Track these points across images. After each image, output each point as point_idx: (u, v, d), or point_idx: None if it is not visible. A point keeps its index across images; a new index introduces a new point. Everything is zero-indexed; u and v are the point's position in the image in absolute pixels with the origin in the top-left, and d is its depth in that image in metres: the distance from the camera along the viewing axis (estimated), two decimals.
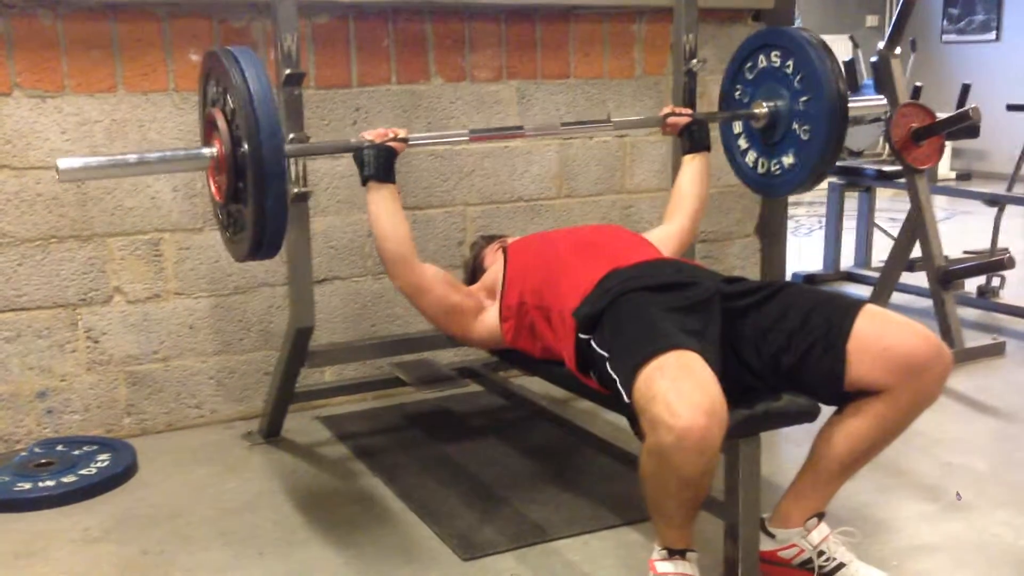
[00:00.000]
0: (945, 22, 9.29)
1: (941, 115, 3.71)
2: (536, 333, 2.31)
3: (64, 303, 2.90)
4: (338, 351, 3.07)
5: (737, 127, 2.91)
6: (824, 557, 2.04)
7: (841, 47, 6.52)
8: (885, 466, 2.62)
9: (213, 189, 2.24)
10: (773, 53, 2.71)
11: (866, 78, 7.63)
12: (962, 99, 4.93)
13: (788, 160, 2.72)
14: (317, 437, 3.03)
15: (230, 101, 2.05)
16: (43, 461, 2.72)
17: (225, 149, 2.08)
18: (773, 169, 2.78)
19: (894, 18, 3.90)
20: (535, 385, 2.95)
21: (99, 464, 2.71)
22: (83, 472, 2.66)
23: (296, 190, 2.53)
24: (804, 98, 2.63)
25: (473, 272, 2.79)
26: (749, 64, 2.80)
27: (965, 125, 3.64)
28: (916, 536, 2.31)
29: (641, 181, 3.65)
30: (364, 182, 2.35)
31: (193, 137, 2.96)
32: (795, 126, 2.67)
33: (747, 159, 2.88)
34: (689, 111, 2.82)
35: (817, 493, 2.07)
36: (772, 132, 2.75)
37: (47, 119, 2.81)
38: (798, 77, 2.63)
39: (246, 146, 2.00)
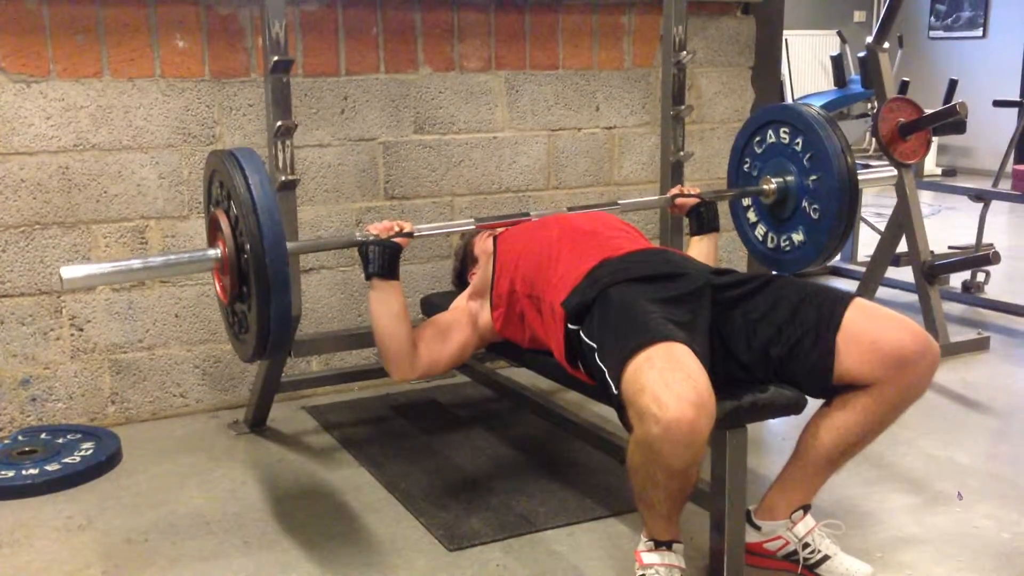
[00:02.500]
0: (932, 18, 9.32)
1: (928, 110, 3.72)
2: (525, 321, 2.30)
3: (48, 290, 2.88)
4: (324, 341, 3.06)
5: (746, 200, 2.84)
6: (809, 549, 2.05)
7: (829, 42, 6.53)
8: (870, 459, 2.63)
9: (219, 289, 2.22)
10: (782, 129, 2.65)
11: (853, 73, 7.68)
12: (949, 94, 4.96)
13: (798, 237, 2.66)
14: (303, 427, 3.02)
15: (233, 206, 2.03)
16: (26, 449, 2.70)
17: (229, 252, 2.06)
18: (783, 245, 2.73)
19: (882, 14, 3.91)
20: (522, 376, 2.94)
21: (83, 452, 2.70)
22: (67, 460, 2.64)
23: (283, 178, 2.52)
24: (813, 177, 2.57)
25: (463, 259, 2.78)
26: (757, 138, 2.74)
27: (952, 120, 3.65)
28: (900, 529, 2.32)
29: (629, 173, 3.65)
30: (368, 278, 2.28)
31: (179, 125, 2.95)
32: (805, 204, 2.61)
33: (756, 232, 2.83)
34: (697, 191, 2.72)
35: (803, 486, 2.08)
36: (782, 208, 2.69)
37: (32, 104, 2.79)
38: (807, 156, 2.58)
39: (249, 252, 1.98)
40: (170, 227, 2.99)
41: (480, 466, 2.68)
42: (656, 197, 2.97)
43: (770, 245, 2.78)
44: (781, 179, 2.67)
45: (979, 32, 8.98)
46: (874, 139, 3.96)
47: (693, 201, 2.69)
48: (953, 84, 5.03)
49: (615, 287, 2.03)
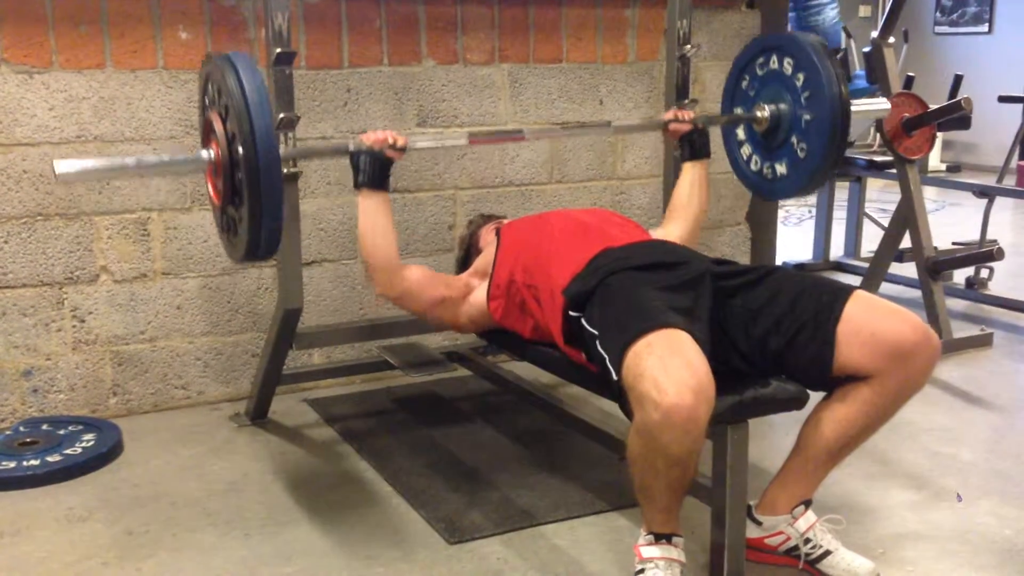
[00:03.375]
0: (938, 13, 9.29)
1: (933, 106, 3.71)
2: (526, 311, 2.31)
3: (50, 281, 2.88)
4: (326, 333, 3.06)
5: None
6: (810, 544, 2.05)
7: None
8: (872, 455, 2.63)
9: (212, 192, 2.22)
10: (786, 60, 2.64)
11: (858, 68, 7.64)
12: (954, 90, 4.93)
13: (781, 169, 2.69)
14: (304, 419, 3.02)
15: (226, 106, 2.03)
16: (28, 440, 2.70)
17: (222, 154, 2.06)
18: (765, 172, 2.75)
19: (887, 8, 3.90)
20: (524, 370, 2.94)
21: (84, 444, 2.70)
22: (68, 452, 2.64)
23: (286, 171, 2.52)
24: (807, 117, 2.57)
25: (468, 249, 2.78)
26: (761, 60, 2.73)
27: (957, 116, 3.65)
28: (902, 524, 2.32)
29: (632, 168, 3.64)
30: (357, 187, 2.32)
31: (182, 116, 2.94)
32: (794, 140, 2.62)
33: (742, 151, 2.85)
34: (691, 116, 2.74)
35: (804, 480, 2.08)
36: (771, 137, 2.70)
37: (34, 95, 2.78)
38: (805, 94, 2.57)
39: (242, 151, 1.98)
40: (172, 219, 2.99)
41: (481, 459, 2.68)
42: (650, 121, 2.97)
43: (754, 168, 2.81)
44: (775, 107, 2.67)
45: (985, 27, 8.95)
46: (879, 134, 3.94)
47: (686, 127, 2.73)
48: (958, 79, 5.00)
49: (616, 275, 2.04)
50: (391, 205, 2.37)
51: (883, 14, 3.96)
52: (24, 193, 2.82)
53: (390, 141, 2.32)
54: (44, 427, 2.80)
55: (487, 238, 2.68)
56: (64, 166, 2.02)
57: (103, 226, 2.92)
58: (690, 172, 2.71)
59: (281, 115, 2.46)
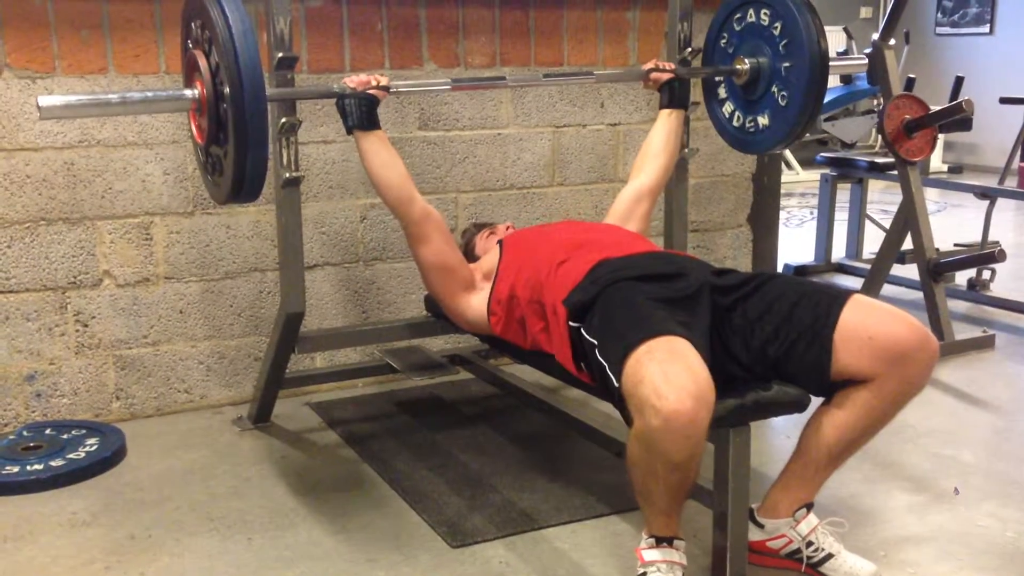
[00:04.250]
0: (939, 14, 9.29)
1: (934, 107, 3.71)
2: (526, 327, 2.31)
3: (53, 286, 2.89)
4: (329, 337, 3.06)
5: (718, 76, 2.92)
6: (812, 547, 2.05)
7: (835, 39, 6.52)
8: (873, 457, 2.63)
9: (195, 131, 2.22)
10: (763, 11, 2.70)
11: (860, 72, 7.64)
12: (955, 91, 4.93)
13: (763, 121, 2.74)
14: (307, 423, 3.02)
15: (212, 43, 2.02)
16: (31, 444, 2.71)
17: (207, 91, 2.06)
18: (748, 126, 2.80)
19: (888, 10, 3.90)
20: (526, 373, 2.94)
21: (87, 448, 2.71)
22: (71, 456, 2.65)
23: (288, 175, 2.52)
24: (786, 63, 2.63)
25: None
26: (738, 15, 2.79)
27: (958, 117, 3.65)
28: (903, 527, 2.32)
29: None
30: (349, 131, 2.39)
31: (184, 121, 2.94)
32: (774, 89, 2.68)
33: (724, 109, 2.89)
34: (672, 67, 2.84)
35: (806, 483, 2.08)
36: (752, 89, 2.76)
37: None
38: (783, 42, 2.63)
39: (227, 89, 1.98)
40: (175, 223, 3.00)
41: (483, 463, 2.68)
42: (631, 69, 3.02)
43: (736, 124, 2.86)
44: (755, 60, 2.72)
45: (986, 28, 8.95)
46: (880, 136, 3.94)
47: (667, 76, 2.81)
48: (959, 81, 5.00)
49: (616, 285, 2.04)
50: (387, 140, 2.43)
51: (884, 15, 3.96)
52: (27, 198, 2.82)
53: (373, 82, 2.40)
54: (48, 431, 2.81)
55: (484, 245, 2.70)
56: (48, 100, 2.05)
57: (106, 230, 2.92)
58: (666, 120, 2.80)
59: (283, 120, 2.47)
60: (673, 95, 2.81)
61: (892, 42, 3.87)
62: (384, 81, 2.41)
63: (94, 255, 2.92)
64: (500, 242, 2.55)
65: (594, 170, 3.59)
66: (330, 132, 3.14)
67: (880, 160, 4.79)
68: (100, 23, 2.83)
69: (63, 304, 2.91)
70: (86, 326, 2.95)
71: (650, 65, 2.83)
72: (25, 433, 2.79)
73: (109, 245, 2.93)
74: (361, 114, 2.37)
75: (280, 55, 2.46)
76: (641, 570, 1.91)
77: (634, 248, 2.28)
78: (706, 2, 3.57)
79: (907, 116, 3.67)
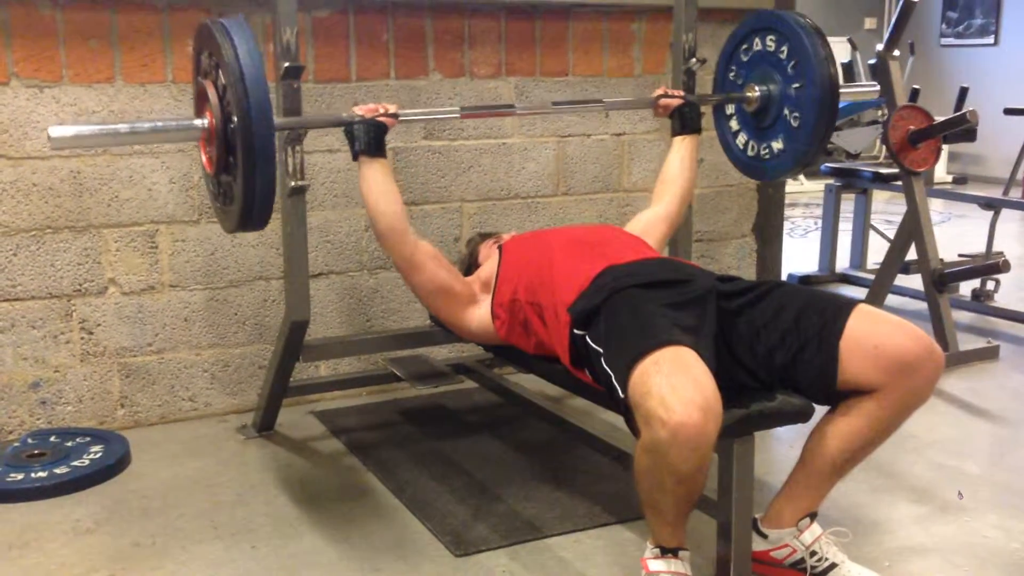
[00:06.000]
0: (944, 25, 9.30)
1: (939, 118, 3.71)
2: (530, 329, 2.31)
3: (59, 294, 2.90)
4: (333, 346, 3.07)
5: (729, 108, 2.91)
6: (816, 557, 2.05)
7: (839, 49, 6.53)
8: (878, 467, 2.63)
9: (204, 160, 2.23)
10: (768, 37, 2.70)
11: (864, 80, 7.66)
12: (960, 102, 4.94)
13: (777, 145, 2.73)
14: (311, 431, 3.02)
15: (221, 75, 2.04)
16: (36, 452, 2.71)
17: (216, 122, 2.08)
18: (763, 153, 2.79)
19: (893, 21, 3.90)
20: (530, 382, 2.94)
21: (92, 456, 2.71)
22: (76, 463, 2.65)
23: (293, 184, 2.53)
24: (796, 84, 2.63)
25: (468, 269, 2.79)
26: (744, 46, 2.79)
27: (962, 128, 3.65)
28: (908, 537, 2.32)
29: (639, 179, 3.65)
30: (355, 157, 2.38)
31: None
32: (786, 112, 2.67)
33: (737, 141, 2.89)
34: (681, 93, 2.84)
35: (810, 493, 2.07)
36: (763, 116, 2.75)
37: (44, 109, 2.80)
38: (791, 63, 2.63)
39: (236, 121, 1.99)
40: (180, 231, 3.01)
41: (487, 472, 2.68)
42: (641, 98, 3.02)
43: (750, 153, 2.84)
44: (765, 87, 2.72)
45: (991, 39, 8.95)
46: (885, 146, 3.95)
47: (677, 102, 2.79)
48: (964, 92, 5.01)
49: (621, 292, 2.04)
50: (391, 170, 2.42)
51: (888, 26, 3.96)
52: (33, 206, 2.83)
53: (382, 110, 2.39)
54: (52, 439, 2.81)
55: (487, 255, 2.70)
56: (59, 131, 2.05)
57: (111, 238, 2.93)
58: (680, 147, 2.78)
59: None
60: (684, 121, 2.78)
61: (897, 53, 3.88)
62: (393, 109, 2.40)
63: (99, 263, 2.93)
64: (500, 247, 2.55)
65: (599, 180, 3.60)
66: (335, 141, 3.14)
67: (885, 171, 4.79)
68: (108, 32, 2.84)
69: (68, 312, 2.92)
70: (91, 334, 2.95)
71: (659, 92, 2.82)
72: (30, 440, 2.79)
73: (115, 253, 2.94)
74: (369, 139, 2.35)
75: (287, 64, 2.48)
76: None
77: (639, 254, 2.28)
78: (710, 13, 3.59)
79: (911, 127, 3.68)
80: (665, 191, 2.73)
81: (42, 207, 2.84)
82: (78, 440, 2.81)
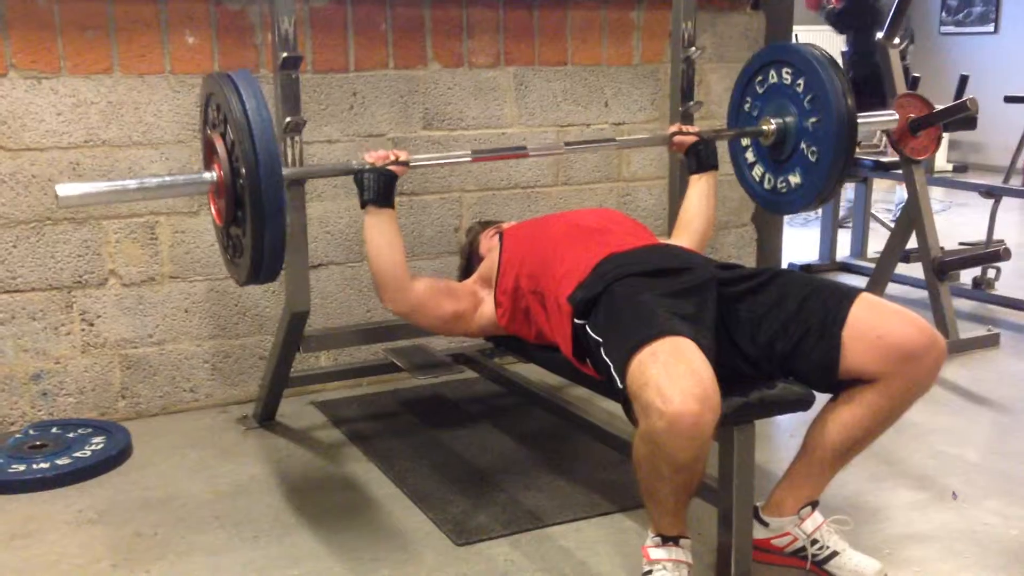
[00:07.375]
0: (944, 14, 9.27)
1: (939, 106, 3.70)
2: (531, 317, 2.31)
3: (59, 285, 2.90)
4: (333, 336, 3.07)
5: (745, 140, 2.87)
6: (817, 545, 2.05)
7: (839, 38, 6.51)
8: (878, 455, 2.63)
9: (214, 212, 2.23)
10: (784, 70, 2.65)
11: None
12: (960, 90, 4.93)
13: (795, 179, 2.68)
14: (312, 422, 3.03)
15: (230, 131, 2.04)
16: (37, 443, 2.72)
17: (225, 176, 2.07)
18: (780, 187, 2.74)
19: (892, 9, 3.89)
20: (530, 372, 2.95)
21: (93, 447, 2.71)
22: (77, 455, 2.66)
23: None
24: (813, 119, 2.57)
25: (469, 257, 2.79)
26: (759, 78, 2.75)
27: (963, 116, 3.64)
28: (908, 525, 2.32)
29: (638, 169, 3.65)
30: (363, 205, 2.34)
31: (189, 120, 2.96)
32: (803, 146, 2.62)
33: (754, 174, 2.85)
34: (696, 129, 2.76)
35: (811, 481, 2.08)
36: (780, 150, 2.70)
37: (42, 100, 2.80)
38: (808, 97, 2.58)
39: (245, 176, 1.99)
40: (180, 223, 3.01)
41: (488, 461, 2.68)
42: (655, 135, 2.99)
43: (767, 187, 2.80)
44: (781, 120, 2.68)
45: (991, 27, 8.93)
46: (885, 135, 3.94)
47: (692, 139, 2.73)
48: (964, 80, 5.00)
49: (621, 281, 2.04)
50: (397, 220, 2.38)
51: (888, 15, 3.95)
52: (33, 197, 2.83)
53: (392, 157, 2.34)
54: (53, 430, 2.82)
55: (488, 244, 2.69)
56: (66, 190, 2.04)
57: (111, 230, 2.93)
58: (697, 185, 2.70)
59: (287, 119, 2.47)
60: (700, 159, 2.71)
61: (896, 41, 3.87)
62: (403, 156, 2.36)
63: (100, 255, 2.93)
64: (500, 235, 2.55)
65: (598, 169, 3.59)
66: (334, 132, 3.14)
67: (885, 159, 4.79)
68: (105, 23, 2.83)
69: (69, 303, 2.92)
70: (92, 325, 2.95)
71: (673, 129, 2.77)
72: (31, 432, 2.80)
73: (115, 245, 2.94)
74: (379, 188, 2.31)
75: (284, 55, 2.47)
76: (647, 568, 1.91)
77: (641, 240, 2.28)
78: (710, 2, 3.59)
79: (912, 115, 3.67)
80: (685, 229, 2.66)
81: (41, 199, 2.84)
82: (80, 431, 2.82)
